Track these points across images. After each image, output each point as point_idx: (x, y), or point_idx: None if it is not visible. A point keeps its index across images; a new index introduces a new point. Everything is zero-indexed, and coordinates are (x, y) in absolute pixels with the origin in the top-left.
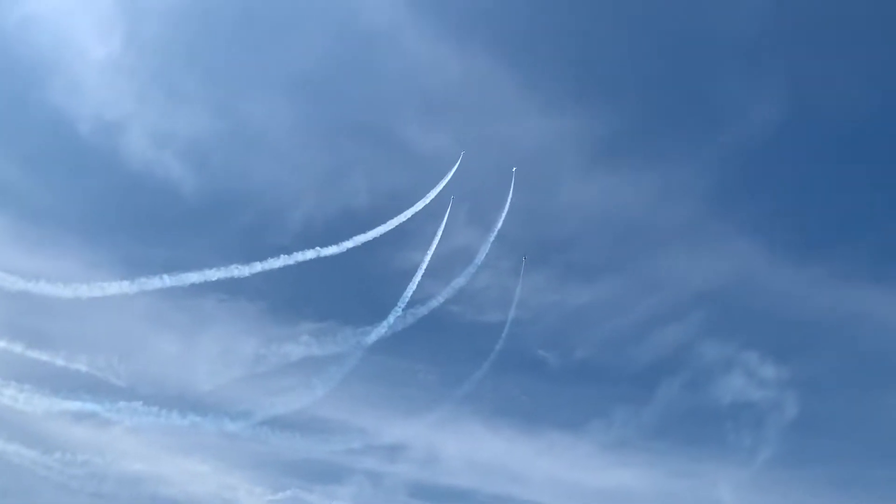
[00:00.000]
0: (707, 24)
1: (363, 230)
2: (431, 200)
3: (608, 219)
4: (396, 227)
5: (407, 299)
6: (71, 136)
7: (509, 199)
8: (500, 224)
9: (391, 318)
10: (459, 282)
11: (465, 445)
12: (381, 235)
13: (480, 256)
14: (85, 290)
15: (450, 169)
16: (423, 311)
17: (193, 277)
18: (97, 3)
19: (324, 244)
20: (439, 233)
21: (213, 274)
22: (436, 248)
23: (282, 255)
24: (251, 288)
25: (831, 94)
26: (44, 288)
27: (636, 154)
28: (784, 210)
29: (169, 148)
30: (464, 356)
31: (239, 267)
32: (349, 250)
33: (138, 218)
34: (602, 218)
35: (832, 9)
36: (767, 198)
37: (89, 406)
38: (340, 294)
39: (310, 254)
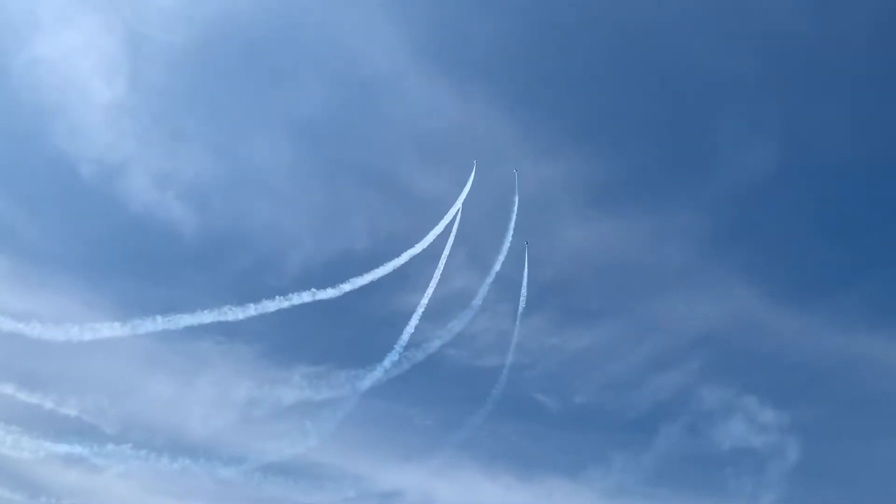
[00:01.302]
0: (702, 71)
1: (362, 273)
2: (430, 244)
3: (606, 263)
4: (394, 269)
5: (404, 343)
6: (73, 177)
7: (508, 242)
8: (498, 267)
9: (388, 362)
10: (457, 325)
11: (463, 492)
12: (378, 278)
13: (478, 300)
14: (77, 332)
15: (449, 212)
16: (420, 354)
17: (190, 319)
18: (103, 46)
19: (322, 286)
20: (437, 276)
21: (210, 316)
22: (434, 291)
23: (279, 298)
24: (248, 330)
25: (826, 139)
26: (36, 329)
27: (633, 198)
28: (782, 254)
29: (170, 190)
30: (461, 401)
31: (236, 309)
32: (347, 293)
33: (138, 259)
34: (600, 262)
35: (825, 55)
36: (765, 242)
37: (78, 450)
38: (337, 337)
39: (307, 296)
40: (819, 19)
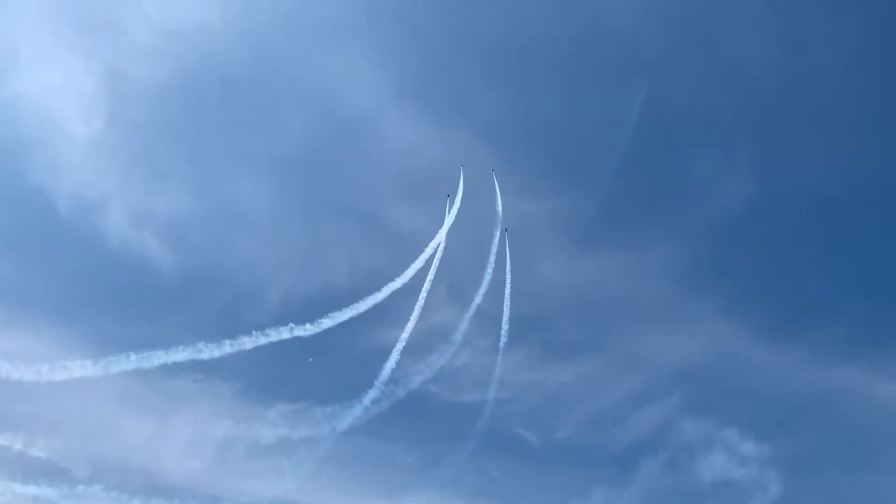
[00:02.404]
0: (678, 107)
1: (342, 308)
2: (410, 278)
3: (586, 297)
4: (374, 305)
5: (385, 379)
6: (50, 213)
7: (488, 277)
8: (478, 301)
9: (368, 399)
10: (438, 361)
11: None
12: (358, 314)
13: (459, 335)
14: (47, 371)
15: (429, 246)
16: (400, 390)
17: (164, 357)
18: (82, 84)
19: (302, 322)
20: (417, 311)
21: (187, 353)
22: (414, 326)
23: (258, 335)
24: (226, 368)
25: (801, 173)
26: (5, 369)
27: (612, 233)
28: (760, 288)
29: (148, 227)
30: (443, 437)
31: (214, 346)
32: (326, 329)
33: (115, 297)
34: (580, 296)
35: (798, 90)
36: (743, 276)
37: (47, 492)
38: (317, 374)
39: (285, 332)
40: (791, 57)
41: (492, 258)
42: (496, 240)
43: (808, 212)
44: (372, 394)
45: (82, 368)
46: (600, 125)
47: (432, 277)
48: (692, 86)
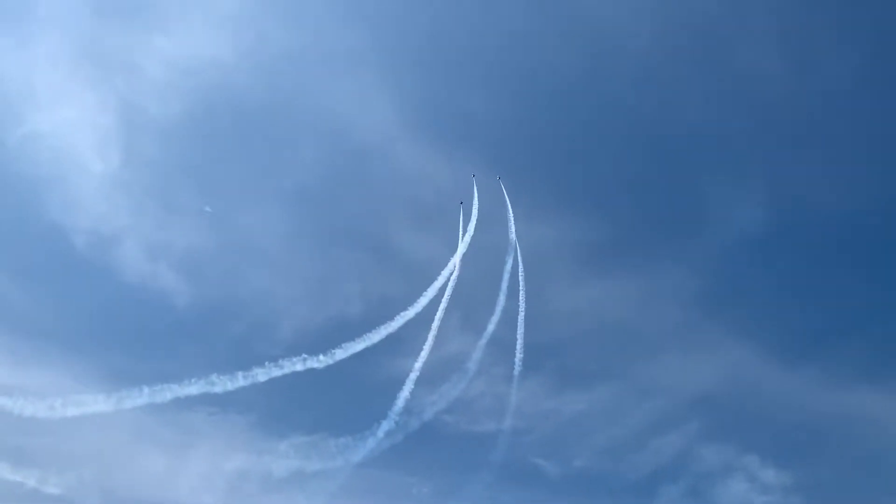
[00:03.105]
0: (690, 132)
1: (356, 338)
2: (423, 307)
3: (600, 324)
4: (388, 335)
5: (399, 409)
6: (66, 248)
7: (500, 304)
8: (491, 329)
9: (383, 430)
10: (452, 390)
11: None
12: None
13: (473, 363)
14: (60, 406)
15: (441, 275)
16: (415, 421)
17: (180, 390)
18: (98, 120)
19: (316, 353)
20: (430, 340)
21: (202, 386)
22: (428, 356)
23: (272, 366)
24: (241, 400)
25: (813, 196)
26: (18, 403)
27: (626, 259)
28: (775, 312)
29: (163, 260)
30: (458, 468)
31: (228, 379)
32: (339, 360)
33: (130, 330)
34: (594, 323)
35: (810, 114)
36: (758, 300)
37: None
38: (331, 405)
39: (299, 364)
40: (802, 81)
41: (504, 285)
42: (508, 266)
43: (822, 235)
44: (386, 425)
45: (95, 403)
46: (612, 150)
47: (445, 306)
48: (705, 110)
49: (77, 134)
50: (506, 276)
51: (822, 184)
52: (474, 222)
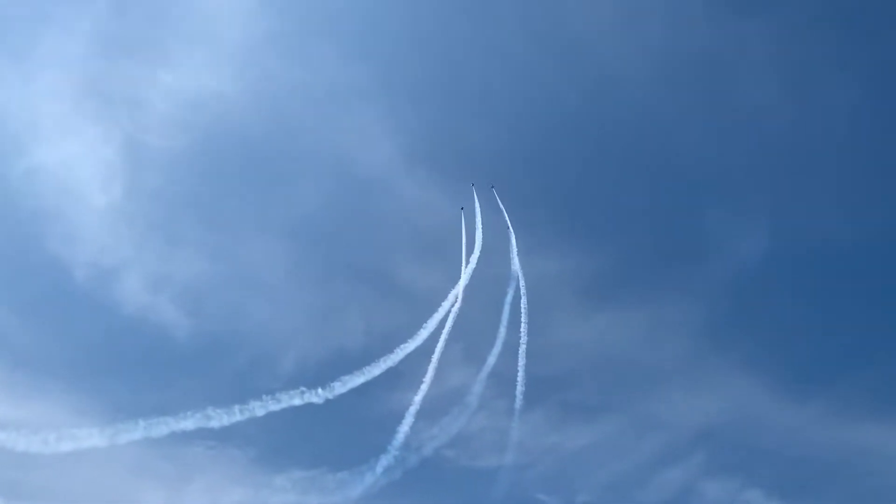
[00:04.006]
0: (690, 163)
1: (357, 372)
2: (424, 340)
3: (603, 357)
4: (388, 368)
5: (398, 444)
6: (67, 281)
7: (501, 337)
8: (492, 362)
9: (383, 465)
10: (453, 425)
11: None
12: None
13: (474, 397)
14: (55, 440)
15: (441, 307)
16: (415, 456)
17: (176, 424)
18: (101, 153)
19: (317, 387)
20: (430, 373)
21: (199, 420)
22: (428, 389)
23: (270, 400)
24: (240, 434)
25: (817, 227)
26: (12, 438)
27: (628, 291)
28: (779, 344)
29: (164, 293)
30: (460, 503)
31: (225, 412)
32: (339, 394)
33: (130, 364)
34: (597, 356)
35: (810, 143)
36: (762, 332)
37: None
38: (331, 439)
39: (297, 398)
40: (803, 110)
41: (505, 317)
42: (509, 297)
43: (825, 266)
44: (385, 460)
45: (90, 437)
46: (614, 182)
47: (446, 338)
48: (707, 141)
49: (80, 167)
50: (507, 308)
51: (825, 214)
52: (477, 253)
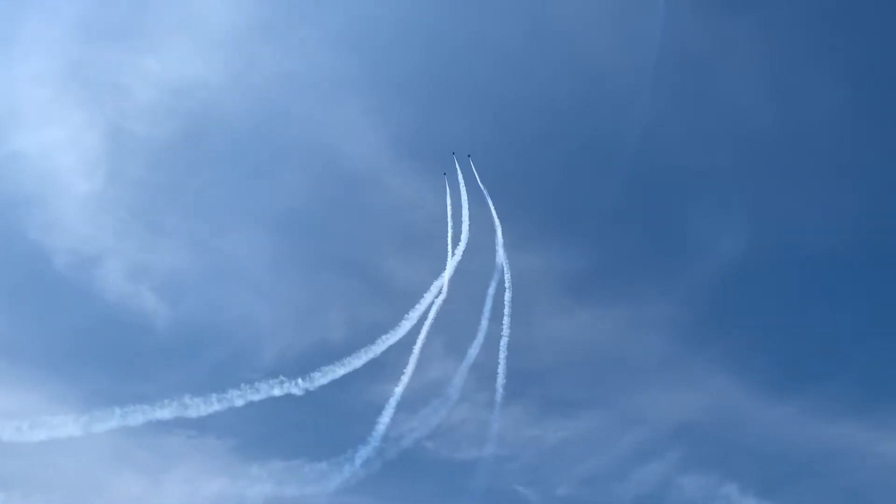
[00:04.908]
0: (673, 162)
1: (339, 363)
2: (406, 332)
3: (584, 352)
4: (370, 359)
5: (379, 435)
6: (47, 269)
7: (483, 331)
8: (473, 355)
9: (362, 456)
10: (433, 417)
11: None
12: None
13: (455, 390)
14: (28, 428)
15: (423, 299)
16: (395, 447)
17: (153, 413)
18: (84, 140)
19: (298, 377)
20: (412, 365)
21: (176, 409)
22: (409, 381)
23: (252, 390)
24: (221, 424)
25: (798, 226)
26: None
27: (610, 288)
28: (759, 343)
29: (145, 282)
30: (439, 496)
31: (205, 402)
32: (321, 385)
33: (109, 352)
34: (578, 351)
35: (791, 143)
36: (742, 330)
37: None
38: (311, 430)
39: (278, 388)
40: (784, 110)
41: (486, 310)
42: (492, 291)
43: (805, 265)
44: (365, 451)
45: (65, 425)
46: (598, 180)
47: (427, 330)
48: (689, 142)
49: (62, 154)
50: (489, 301)
51: (806, 214)
52: (464, 245)
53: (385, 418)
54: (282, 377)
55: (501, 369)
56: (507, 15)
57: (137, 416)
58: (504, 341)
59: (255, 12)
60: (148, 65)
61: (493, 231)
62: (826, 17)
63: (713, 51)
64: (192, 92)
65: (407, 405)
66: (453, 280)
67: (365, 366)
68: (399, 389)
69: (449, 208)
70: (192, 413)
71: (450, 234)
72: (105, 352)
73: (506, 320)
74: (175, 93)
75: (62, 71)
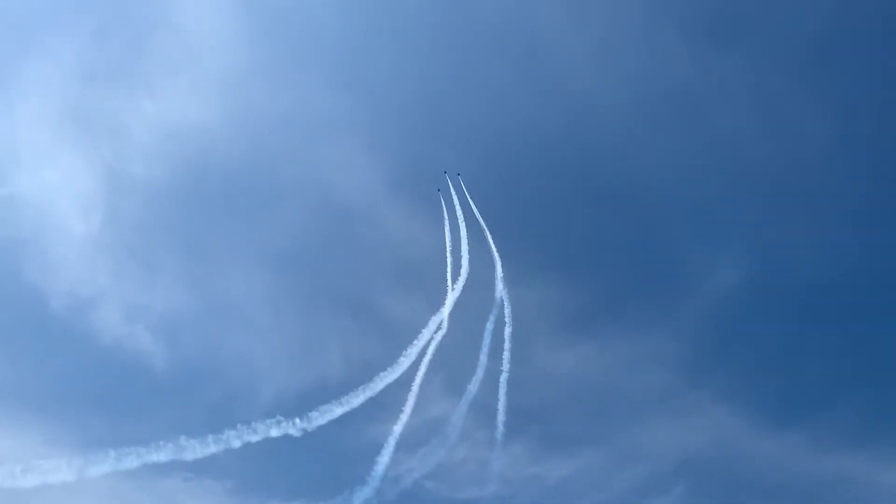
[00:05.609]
0: (670, 196)
1: (336, 402)
2: (405, 369)
3: (584, 387)
4: (368, 398)
5: (379, 476)
6: (43, 311)
7: (482, 366)
8: (473, 391)
9: (361, 497)
10: (433, 456)
11: None
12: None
13: (454, 428)
14: (21, 473)
15: (421, 336)
16: (394, 488)
17: (151, 455)
18: (82, 182)
19: (295, 417)
20: (410, 403)
21: (175, 451)
22: (408, 419)
23: (250, 431)
24: (218, 466)
25: (795, 258)
26: None
27: (609, 323)
28: (758, 375)
29: (141, 323)
30: None
31: (201, 443)
32: (319, 425)
33: (106, 394)
34: (578, 386)
35: (788, 176)
36: (741, 364)
37: None
38: (309, 471)
39: (275, 429)
40: (779, 143)
41: (485, 346)
42: (490, 327)
43: (803, 295)
44: (364, 492)
45: (59, 470)
46: (594, 213)
47: (426, 367)
48: (685, 173)
49: (60, 196)
50: (487, 337)
51: (802, 247)
52: (463, 280)
53: (384, 458)
54: (279, 417)
55: (501, 406)
56: (502, 53)
57: (132, 459)
58: (504, 377)
59: (250, 54)
60: (145, 107)
61: (492, 265)
62: (818, 51)
63: (708, 84)
64: (189, 133)
65: (406, 444)
66: (454, 315)
67: (363, 404)
68: (398, 428)
69: (448, 242)
70: (189, 455)
71: (449, 268)
72: (101, 393)
73: (506, 355)
74: (172, 135)
75: (60, 113)
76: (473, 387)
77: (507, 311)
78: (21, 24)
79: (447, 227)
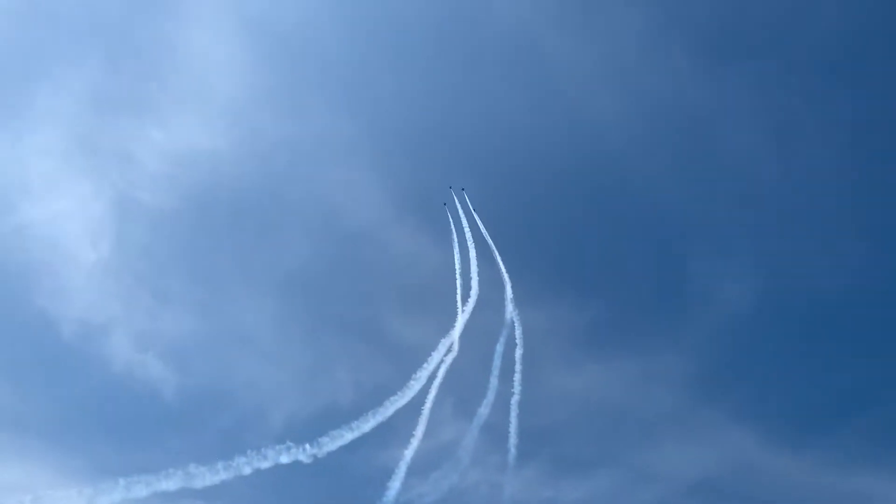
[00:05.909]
0: (679, 214)
1: (347, 427)
2: (415, 393)
3: (596, 408)
4: (378, 423)
5: (390, 501)
6: (54, 338)
7: (493, 388)
8: (484, 414)
9: None
10: (445, 480)
11: None
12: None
13: (466, 452)
14: (30, 502)
15: (431, 359)
16: None
17: (161, 483)
18: (91, 210)
19: (306, 442)
20: (421, 427)
21: (185, 479)
22: (419, 444)
23: (260, 458)
24: (229, 493)
25: (805, 276)
26: None
27: (620, 343)
28: (770, 394)
29: (152, 350)
30: None
31: (211, 470)
32: (330, 450)
33: (117, 421)
34: (590, 408)
35: (794, 193)
36: (752, 381)
37: None
38: (321, 497)
39: (286, 455)
40: (787, 160)
41: (496, 368)
42: (500, 349)
43: (814, 313)
44: None
45: (68, 499)
46: (604, 233)
47: (437, 390)
48: (694, 193)
49: (69, 224)
50: (497, 359)
51: (811, 264)
52: (473, 302)
53: (395, 483)
54: (289, 443)
55: (513, 429)
56: (508, 75)
57: (142, 487)
58: (515, 399)
59: (256, 81)
60: (153, 135)
61: (501, 286)
62: (825, 71)
63: (715, 105)
64: (197, 161)
65: (417, 469)
66: (463, 337)
67: (374, 429)
68: (409, 453)
69: (457, 263)
70: (199, 483)
71: (458, 290)
72: (111, 421)
73: (517, 377)
74: (180, 162)
75: (69, 141)
76: (484, 410)
77: (517, 332)
78: (30, 54)
79: (456, 248)
